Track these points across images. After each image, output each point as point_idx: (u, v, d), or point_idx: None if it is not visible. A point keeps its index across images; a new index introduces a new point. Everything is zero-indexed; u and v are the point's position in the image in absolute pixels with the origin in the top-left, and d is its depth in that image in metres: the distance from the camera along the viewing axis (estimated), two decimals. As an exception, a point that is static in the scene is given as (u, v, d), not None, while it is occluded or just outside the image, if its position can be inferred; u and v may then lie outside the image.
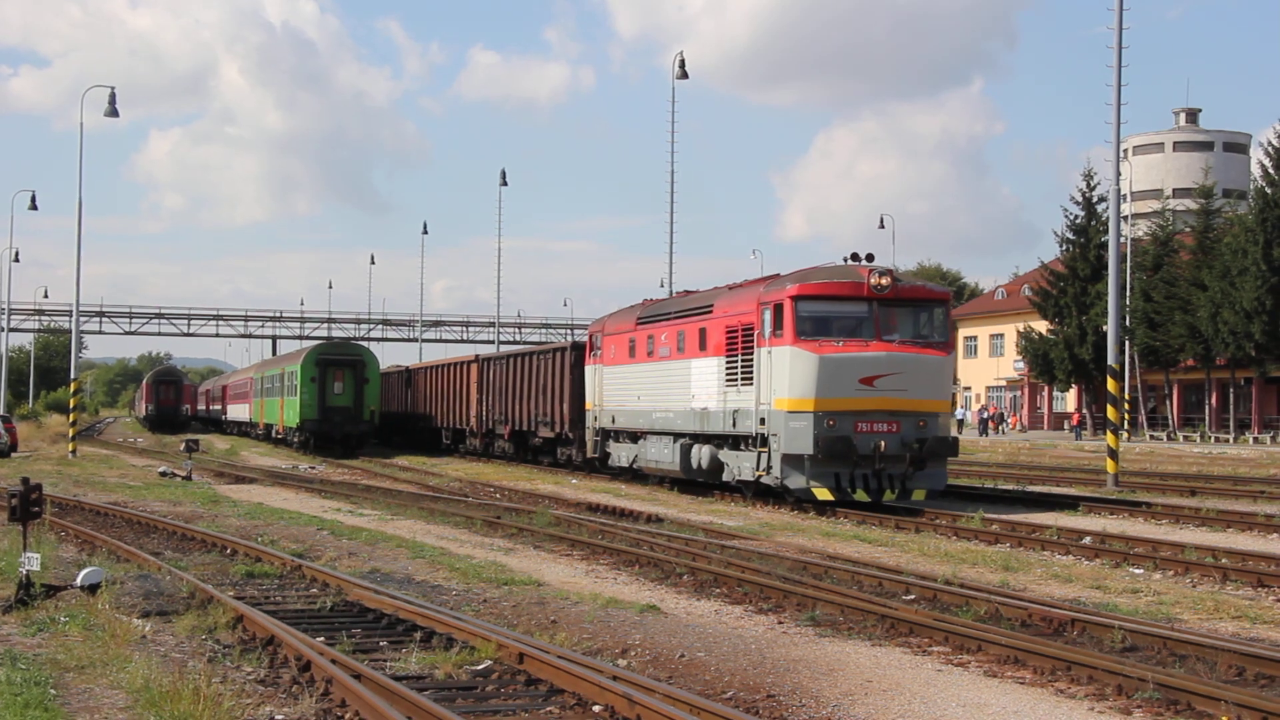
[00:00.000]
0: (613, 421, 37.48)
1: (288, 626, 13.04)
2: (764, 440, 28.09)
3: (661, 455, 33.81)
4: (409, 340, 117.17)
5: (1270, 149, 74.57)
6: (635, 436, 36.12)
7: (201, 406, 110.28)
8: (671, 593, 16.65)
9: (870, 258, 28.45)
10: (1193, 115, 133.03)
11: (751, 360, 28.72)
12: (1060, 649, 12.19)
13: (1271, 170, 74.08)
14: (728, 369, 29.92)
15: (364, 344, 75.16)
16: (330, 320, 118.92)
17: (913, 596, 15.96)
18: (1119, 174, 36.92)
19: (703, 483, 32.73)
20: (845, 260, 28.70)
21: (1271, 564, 18.93)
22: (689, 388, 31.96)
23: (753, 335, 28.72)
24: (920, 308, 28.24)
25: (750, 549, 20.54)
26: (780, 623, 14.47)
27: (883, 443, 26.73)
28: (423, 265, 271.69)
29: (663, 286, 57.25)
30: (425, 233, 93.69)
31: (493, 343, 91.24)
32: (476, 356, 54.64)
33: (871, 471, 26.92)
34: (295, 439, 60.73)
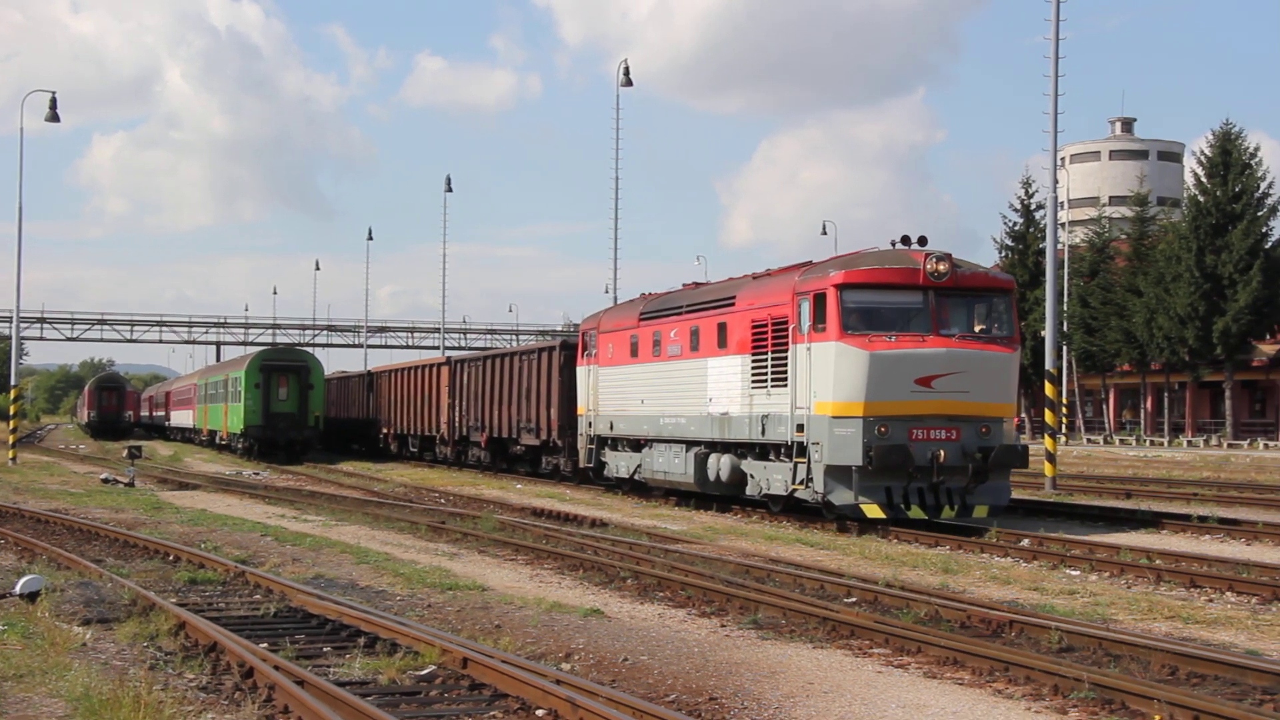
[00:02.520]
0: (610, 428, 33.83)
1: (230, 633, 12.93)
2: (801, 449, 24.64)
3: (671, 466, 30.24)
4: (354, 346, 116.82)
5: (1203, 158, 75.53)
6: (638, 445, 32.62)
7: (145, 413, 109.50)
8: (615, 597, 16.63)
9: (923, 241, 24.96)
10: (1128, 124, 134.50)
11: (785, 358, 25.28)
12: (998, 650, 12.26)
13: (1204, 179, 74.99)
14: (754, 368, 26.44)
15: (308, 350, 74.74)
16: (275, 326, 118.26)
17: (854, 599, 16.00)
18: (1056, 182, 37.25)
19: (718, 496, 29.56)
20: (893, 244, 25.20)
21: (1204, 565, 19.14)
22: (705, 390, 28.55)
23: (786, 330, 25.25)
24: (981, 298, 24.93)
25: (694, 553, 20.53)
26: (723, 626, 14.48)
27: (942, 452, 23.46)
28: (368, 271, 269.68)
29: (607, 293, 57.57)
30: (370, 238, 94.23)
31: (438, 348, 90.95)
32: (448, 358, 51.71)
33: (928, 485, 23.68)
34: (239, 445, 60.37)
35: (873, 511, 23.63)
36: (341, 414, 67.22)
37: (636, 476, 32.79)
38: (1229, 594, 16.99)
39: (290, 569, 19.13)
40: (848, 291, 23.96)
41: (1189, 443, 74.90)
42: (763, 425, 26.06)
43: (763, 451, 26.64)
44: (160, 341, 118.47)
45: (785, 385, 25.19)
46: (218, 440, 66.95)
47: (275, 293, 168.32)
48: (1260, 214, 73.65)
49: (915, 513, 23.68)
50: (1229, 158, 73.82)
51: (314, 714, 9.81)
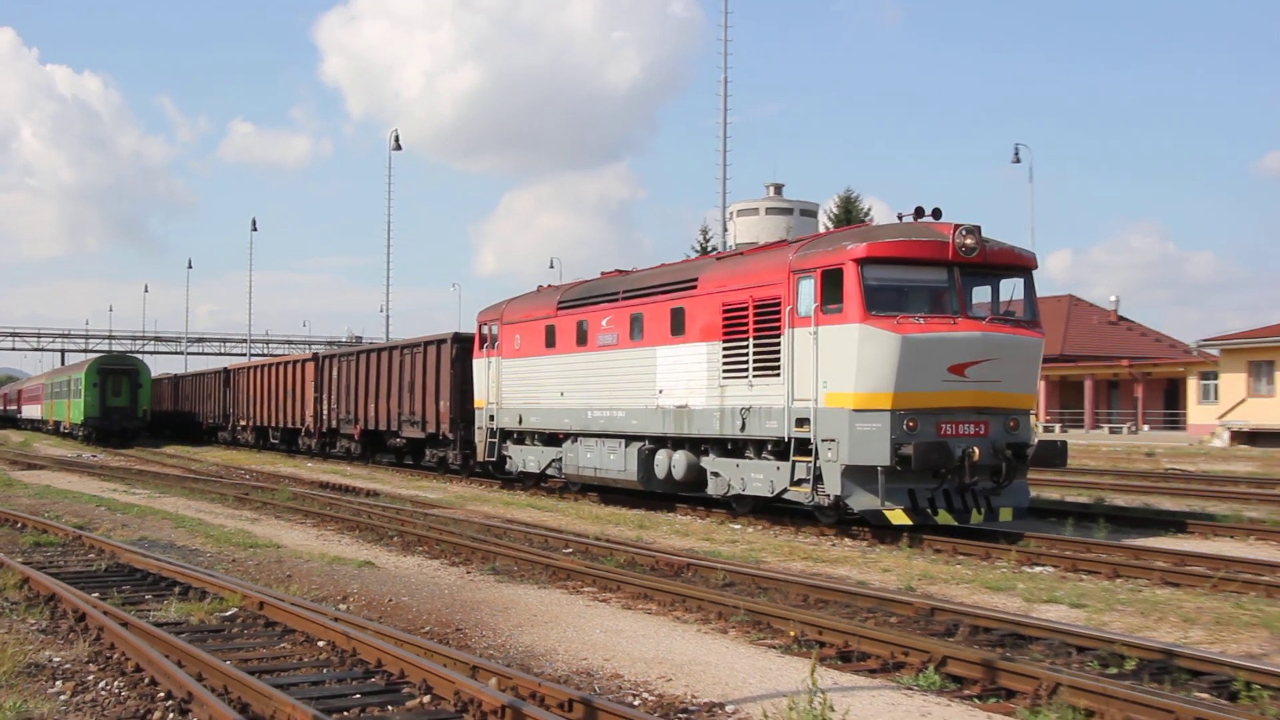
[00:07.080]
0: (519, 421, 25.68)
1: (67, 585, 12.22)
2: (801, 446, 17.54)
3: (605, 461, 22.52)
4: (177, 354, 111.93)
5: (831, 215, 78.63)
6: (552, 439, 24.88)
7: (0, 407, 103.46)
8: (384, 551, 16.33)
9: (937, 213, 17.59)
10: (779, 188, 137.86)
11: (776, 344, 17.96)
12: (679, 586, 12.41)
13: (833, 231, 78.06)
14: (727, 356, 19.04)
15: (138, 357, 71.36)
16: (110, 337, 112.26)
17: (570, 550, 16.06)
18: (725, 230, 38.28)
19: (664, 495, 22.68)
20: (899, 218, 17.82)
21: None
22: (653, 381, 21.09)
23: (778, 313, 17.96)
24: (1007, 276, 17.91)
25: (448, 515, 20.32)
26: (468, 573, 14.35)
27: (976, 449, 16.58)
28: (188, 293, 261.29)
29: (381, 311, 57.00)
30: (190, 268, 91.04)
31: (245, 355, 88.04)
32: (315, 355, 42.59)
33: (955, 487, 16.75)
34: (80, 433, 57.88)
35: (898, 518, 16.61)
36: (195, 408, 61.27)
37: (551, 472, 24.95)
38: (846, 539, 17.58)
39: (120, 533, 18.20)
40: (870, 267, 16.84)
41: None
42: (743, 419, 18.73)
43: (738, 448, 19.43)
44: (14, 349, 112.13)
45: (776, 374, 18.01)
46: (62, 429, 63.89)
47: (111, 310, 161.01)
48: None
49: (944, 518, 16.72)
50: (850, 215, 76.94)
51: (135, 649, 9.36)
